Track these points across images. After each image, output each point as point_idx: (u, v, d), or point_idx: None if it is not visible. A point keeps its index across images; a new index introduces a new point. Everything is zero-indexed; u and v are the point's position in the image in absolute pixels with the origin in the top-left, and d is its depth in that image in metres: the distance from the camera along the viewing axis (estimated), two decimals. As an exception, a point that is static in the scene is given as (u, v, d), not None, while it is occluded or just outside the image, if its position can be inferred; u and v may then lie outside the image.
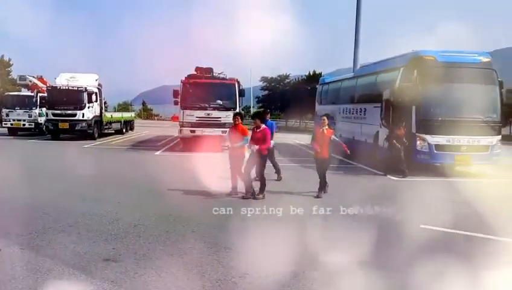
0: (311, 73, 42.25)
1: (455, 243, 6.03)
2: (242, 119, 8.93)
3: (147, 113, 62.94)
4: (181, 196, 8.10)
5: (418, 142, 11.74)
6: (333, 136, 8.91)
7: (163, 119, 55.88)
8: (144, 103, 70.14)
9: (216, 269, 4.68)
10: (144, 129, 31.55)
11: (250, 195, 8.25)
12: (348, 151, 9.36)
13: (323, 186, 8.79)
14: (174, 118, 40.09)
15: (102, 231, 5.97)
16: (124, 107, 56.18)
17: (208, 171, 9.68)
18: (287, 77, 46.23)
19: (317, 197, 8.57)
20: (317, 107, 22.31)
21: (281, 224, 6.67)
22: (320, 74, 38.67)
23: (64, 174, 10.81)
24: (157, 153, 16.80)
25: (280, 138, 26.85)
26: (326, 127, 8.87)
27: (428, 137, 11.63)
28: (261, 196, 8.28)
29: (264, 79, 46.21)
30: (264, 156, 8.63)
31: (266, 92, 46.55)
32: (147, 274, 4.51)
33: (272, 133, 10.60)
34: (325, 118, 9.07)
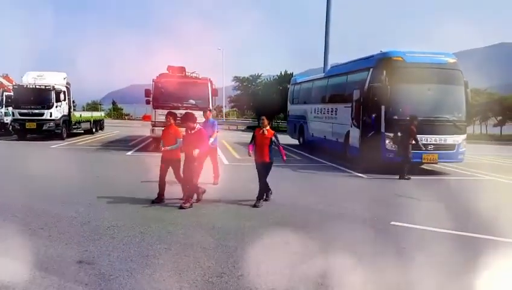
0: (283, 73, 42.48)
1: (425, 240, 6.22)
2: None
3: (117, 113, 61.69)
4: (155, 196, 8.00)
5: (386, 141, 12.04)
6: (274, 138, 8.02)
7: (134, 119, 54.99)
8: (113, 102, 68.67)
9: (193, 270, 4.69)
10: (114, 129, 30.95)
11: (190, 204, 7.50)
12: (285, 158, 8.29)
13: (262, 194, 8.00)
14: (146, 118, 39.59)
15: (75, 233, 5.86)
16: (93, 106, 54.81)
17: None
18: (258, 76, 46.33)
19: (255, 206, 7.72)
20: (290, 106, 22.54)
21: (253, 222, 6.74)
22: (291, 74, 38.94)
23: (32, 176, 10.49)
24: (129, 153, 16.54)
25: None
26: (267, 127, 8.11)
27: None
28: (187, 205, 7.49)
29: (236, 79, 46.20)
30: (203, 161, 8.03)
31: (238, 91, 46.52)
32: (122, 276, 4.46)
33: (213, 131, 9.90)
34: (264, 118, 8.33)
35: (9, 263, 4.70)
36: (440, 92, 12.39)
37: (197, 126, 7.82)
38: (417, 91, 12.24)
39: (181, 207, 7.42)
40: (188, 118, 7.74)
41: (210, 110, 10.83)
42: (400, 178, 11.42)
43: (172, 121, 8.06)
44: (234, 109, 51.90)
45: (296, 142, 21.11)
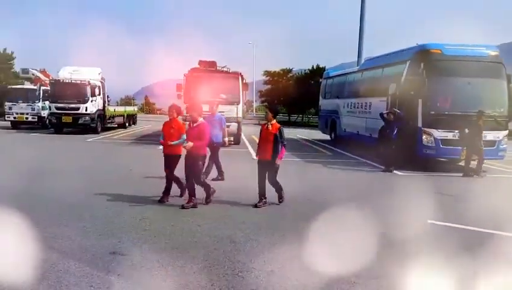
0: (315, 67, 41.99)
1: (463, 239, 5.95)
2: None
3: (149, 108, 62.87)
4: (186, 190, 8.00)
5: (423, 137, 11.67)
6: (279, 133, 7.11)
7: (166, 114, 55.77)
8: (146, 97, 70.08)
9: (223, 263, 4.63)
10: (146, 123, 31.50)
11: (191, 204, 7.00)
12: (280, 159, 7.18)
13: (279, 191, 7.46)
14: (176, 112, 40.01)
15: (108, 224, 5.93)
16: (126, 101, 56.12)
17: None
18: (290, 71, 45.98)
19: (280, 202, 7.42)
20: (321, 101, 22.23)
21: (285, 218, 6.63)
22: (323, 68, 38.39)
23: (68, 168, 10.78)
24: (161, 147, 16.70)
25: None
26: (273, 121, 7.20)
27: (434, 131, 11.56)
28: (209, 200, 7.24)
29: (267, 73, 46.00)
30: (203, 156, 7.28)
31: (269, 86, 46.32)
32: (153, 268, 4.46)
33: (221, 128, 9.44)
34: (268, 111, 7.42)
35: (44, 253, 4.79)
36: (480, 86, 11.88)
37: (200, 120, 7.19)
38: (456, 85, 11.81)
39: (206, 203, 7.19)
40: (193, 109, 7.14)
41: (217, 103, 10.13)
42: (475, 175, 11.12)
43: (175, 115, 7.43)
44: (264, 103, 51.75)
45: (327, 137, 20.83)
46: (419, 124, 11.72)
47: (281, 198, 7.48)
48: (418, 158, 11.95)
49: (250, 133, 20.79)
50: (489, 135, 11.66)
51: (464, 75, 11.72)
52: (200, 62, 17.73)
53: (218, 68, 17.84)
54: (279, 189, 7.44)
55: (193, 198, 7.09)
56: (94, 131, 21.50)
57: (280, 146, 7.15)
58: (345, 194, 8.58)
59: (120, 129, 25.18)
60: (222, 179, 9.47)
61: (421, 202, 8.20)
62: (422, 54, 12.02)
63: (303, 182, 8.02)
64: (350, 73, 18.78)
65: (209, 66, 17.60)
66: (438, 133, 11.52)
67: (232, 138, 17.88)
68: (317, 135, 23.00)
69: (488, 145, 11.69)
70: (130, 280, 4.18)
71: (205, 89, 16.46)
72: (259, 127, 7.44)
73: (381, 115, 12.23)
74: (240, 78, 17.55)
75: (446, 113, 11.51)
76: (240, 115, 17.31)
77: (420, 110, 11.68)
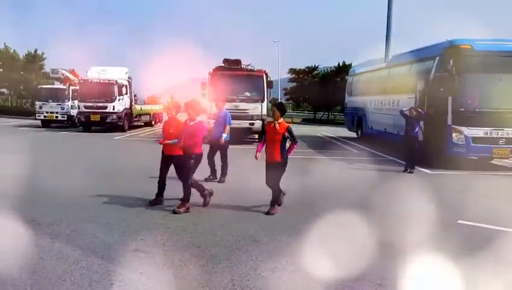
0: (340, 64, 41.44)
1: (494, 240, 5.70)
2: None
3: (175, 106, 63.50)
4: (210, 188, 7.99)
5: (453, 135, 11.30)
6: (288, 133, 6.53)
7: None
8: (172, 96, 70.97)
9: (245, 263, 4.58)
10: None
11: (185, 208, 6.58)
12: (288, 155, 6.76)
13: (276, 198, 6.77)
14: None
15: (132, 222, 5.97)
16: (152, 100, 56.84)
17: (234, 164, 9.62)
18: (315, 68, 45.51)
19: (268, 213, 6.60)
20: (347, 98, 21.93)
21: (308, 218, 6.52)
22: (349, 65, 37.77)
23: (95, 166, 10.97)
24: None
25: (308, 130, 26.65)
26: (281, 120, 6.59)
27: (464, 129, 11.19)
28: (182, 209, 6.49)
29: (292, 71, 45.71)
30: (196, 155, 6.82)
31: (294, 83, 46.03)
32: (175, 266, 4.45)
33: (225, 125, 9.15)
34: (275, 108, 6.71)
35: (68, 249, 4.85)
36: None
37: (198, 119, 6.80)
38: (487, 81, 11.39)
39: (174, 211, 6.49)
40: (189, 106, 6.67)
41: (223, 100, 9.83)
42: None
43: (174, 113, 7.03)
44: (289, 101, 51.46)
45: (353, 135, 20.53)
46: (449, 122, 11.36)
47: (274, 204, 6.73)
48: (446, 156, 11.57)
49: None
50: None
51: (496, 71, 11.28)
52: (225, 60, 17.73)
53: (242, 66, 17.79)
54: (277, 195, 6.79)
55: (186, 203, 6.64)
56: (121, 129, 21.85)
57: (290, 145, 6.73)
58: (372, 194, 8.36)
59: (146, 127, 25.52)
60: (214, 179, 9.18)
61: (451, 202, 7.96)
62: (452, 50, 11.61)
63: (330, 181, 7.89)
64: (377, 70, 18.41)
65: (234, 64, 17.57)
66: (469, 131, 11.15)
67: (255, 135, 17.89)
68: (343, 132, 22.69)
69: None
70: (151, 278, 4.17)
71: (229, 87, 16.47)
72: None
73: (401, 112, 11.88)
74: (265, 76, 17.46)
75: (477, 110, 11.12)
76: (265, 112, 17.25)
77: (450, 108, 11.31)
